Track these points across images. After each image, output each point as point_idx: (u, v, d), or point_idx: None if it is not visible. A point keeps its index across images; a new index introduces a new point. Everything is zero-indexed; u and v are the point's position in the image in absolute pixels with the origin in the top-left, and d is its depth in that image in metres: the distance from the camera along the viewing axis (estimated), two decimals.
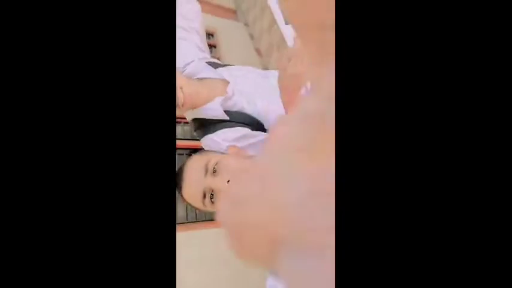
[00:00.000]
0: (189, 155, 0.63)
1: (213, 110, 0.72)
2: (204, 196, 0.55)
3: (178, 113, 0.69)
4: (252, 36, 3.33)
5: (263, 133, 0.73)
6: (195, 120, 0.77)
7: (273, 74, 0.80)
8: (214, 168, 0.54)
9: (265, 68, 2.77)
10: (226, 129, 0.73)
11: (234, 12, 3.92)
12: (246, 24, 3.48)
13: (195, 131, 0.80)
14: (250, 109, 0.74)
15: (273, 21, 2.85)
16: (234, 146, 0.65)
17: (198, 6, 0.83)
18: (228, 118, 0.73)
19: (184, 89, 0.66)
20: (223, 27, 3.22)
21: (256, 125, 0.75)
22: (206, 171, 0.55)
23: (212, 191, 0.54)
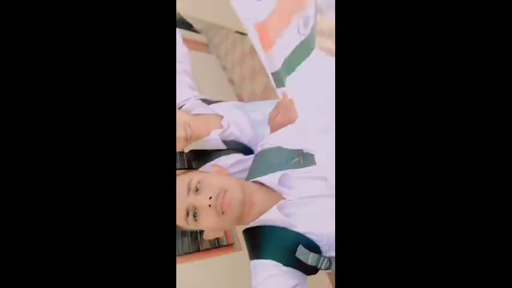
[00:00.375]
0: None
1: (213, 141, 0.83)
2: (187, 214, 0.57)
3: (184, 146, 0.75)
4: (224, 68, 3.45)
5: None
6: (192, 150, 0.82)
7: (253, 107, 0.95)
8: (196, 186, 0.57)
9: (239, 96, 2.85)
10: (224, 156, 0.83)
11: (206, 45, 4.07)
12: (218, 57, 3.61)
13: (193, 160, 0.88)
14: (242, 138, 0.86)
15: (244, 54, 2.99)
16: (216, 165, 0.70)
17: (186, 49, 0.94)
18: (225, 147, 0.83)
19: (192, 125, 0.77)
20: (196, 59, 3.31)
21: (248, 151, 0.86)
22: (189, 189, 0.57)
23: (195, 208, 0.57)
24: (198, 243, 1.97)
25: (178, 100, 0.87)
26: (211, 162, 0.82)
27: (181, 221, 0.58)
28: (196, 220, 0.57)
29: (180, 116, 0.77)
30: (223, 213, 0.56)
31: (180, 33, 0.93)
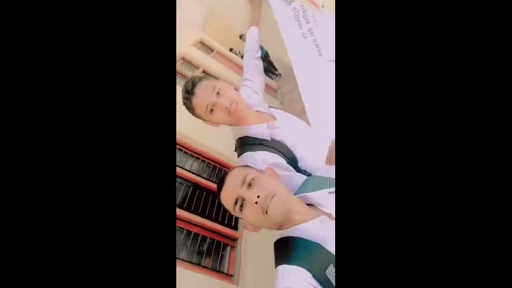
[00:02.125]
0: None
1: (260, 129, 0.86)
2: (236, 203, 0.64)
3: (221, 118, 0.82)
4: None
5: (294, 171, 0.85)
6: (239, 139, 0.90)
7: (307, 127, 0.96)
8: (250, 182, 0.64)
9: None
10: (267, 152, 0.84)
11: (275, 90, 4.44)
12: (282, 103, 3.92)
13: (236, 148, 0.92)
14: (288, 143, 0.87)
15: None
16: (272, 168, 0.75)
17: (262, 83, 1.04)
18: (270, 139, 0.85)
19: (239, 104, 0.82)
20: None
21: (292, 161, 0.86)
22: (243, 182, 0.64)
23: (243, 200, 0.64)
24: (201, 258, 2.02)
25: (243, 95, 0.92)
26: (251, 153, 0.85)
27: (229, 206, 0.66)
28: (241, 211, 0.63)
29: (230, 91, 0.81)
30: (266, 214, 0.61)
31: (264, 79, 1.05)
